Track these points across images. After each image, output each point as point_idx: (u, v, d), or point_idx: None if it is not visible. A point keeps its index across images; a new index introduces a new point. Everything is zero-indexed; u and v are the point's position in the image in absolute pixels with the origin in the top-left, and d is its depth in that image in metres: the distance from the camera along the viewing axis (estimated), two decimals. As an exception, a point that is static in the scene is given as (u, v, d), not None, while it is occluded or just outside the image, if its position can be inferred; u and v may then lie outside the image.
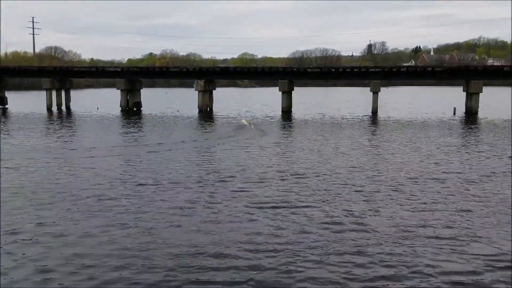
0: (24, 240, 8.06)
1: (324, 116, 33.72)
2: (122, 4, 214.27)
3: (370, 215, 9.43)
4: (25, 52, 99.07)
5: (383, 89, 40.43)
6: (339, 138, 21.23)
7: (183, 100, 52.45)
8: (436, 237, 8.22)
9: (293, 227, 8.66)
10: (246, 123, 27.70)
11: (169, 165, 14.63)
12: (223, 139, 20.67)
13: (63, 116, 33.96)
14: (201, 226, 8.78)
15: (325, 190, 11.37)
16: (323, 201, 10.36)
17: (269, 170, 13.79)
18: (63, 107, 40.49)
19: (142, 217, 9.33)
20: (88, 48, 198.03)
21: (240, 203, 10.16)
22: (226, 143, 19.53)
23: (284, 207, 9.90)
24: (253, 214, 9.42)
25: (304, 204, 10.10)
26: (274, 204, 10.06)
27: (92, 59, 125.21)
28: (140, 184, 12.00)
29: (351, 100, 53.80)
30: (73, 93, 46.35)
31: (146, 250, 7.57)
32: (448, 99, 51.33)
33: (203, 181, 12.37)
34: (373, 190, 11.37)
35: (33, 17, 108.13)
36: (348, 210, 9.74)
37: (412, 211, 9.74)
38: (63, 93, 41.07)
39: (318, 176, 12.97)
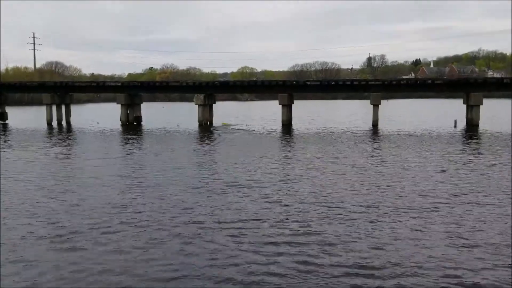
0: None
1: (324, 129, 33.78)
2: (121, 19, 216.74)
3: (399, 255, 7.94)
4: (26, 68, 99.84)
5: (383, 102, 40.58)
6: (341, 152, 21.19)
7: (183, 114, 52.59)
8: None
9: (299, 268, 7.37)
10: (223, 124, 34.17)
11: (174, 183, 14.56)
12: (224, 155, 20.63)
13: (63, 131, 34.03)
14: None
15: (338, 218, 10.03)
16: (336, 235, 8.91)
17: (270, 191, 13.73)
18: (64, 122, 40.63)
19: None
20: (88, 63, 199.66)
21: (245, 237, 9.02)
22: (229, 159, 19.50)
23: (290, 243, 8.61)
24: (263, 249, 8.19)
25: (323, 239, 8.66)
26: (289, 236, 8.85)
27: (92, 73, 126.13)
28: (140, 212, 11.88)
29: (351, 113, 53.94)
30: (73, 108, 46.56)
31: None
32: (448, 112, 51.50)
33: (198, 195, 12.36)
34: (393, 218, 10.04)
35: (34, 33, 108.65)
36: (368, 245, 8.29)
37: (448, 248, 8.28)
38: (63, 108, 41.26)
39: (323, 197, 12.82)
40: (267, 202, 11.56)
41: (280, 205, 11.24)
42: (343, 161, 18.12)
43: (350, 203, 11.32)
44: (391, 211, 10.66)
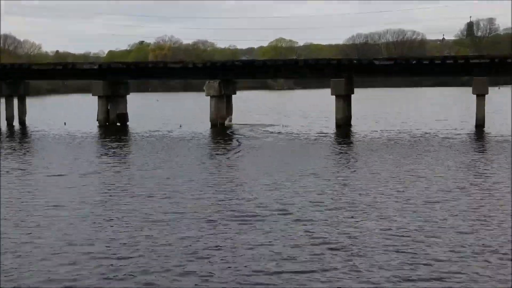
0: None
1: (401, 132, 33.31)
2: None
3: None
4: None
5: (492, 90, 39.61)
6: (427, 169, 20.69)
7: (188, 110, 53.05)
8: None
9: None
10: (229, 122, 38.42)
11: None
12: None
13: (15, 135, 34.77)
14: None
15: (424, 277, 9.65)
16: None
17: (317, 229, 13.50)
18: (16, 122, 41.59)
19: None
20: (52, 36, 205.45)
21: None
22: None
23: None
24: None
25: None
26: None
27: (57, 52, 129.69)
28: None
29: (444, 107, 53.03)
30: (30, 102, 47.67)
31: None
32: None
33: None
34: None
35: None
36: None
37: None
38: (15, 102, 42.26)
39: (399, 240, 12.44)
40: (312, 244, 11.23)
41: (334, 251, 10.88)
42: (430, 183, 17.61)
43: (438, 252, 10.82)
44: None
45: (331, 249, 11.13)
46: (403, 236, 11.90)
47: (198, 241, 11.80)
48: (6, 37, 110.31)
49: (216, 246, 11.40)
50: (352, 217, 13.56)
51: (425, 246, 11.19)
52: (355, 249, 11.09)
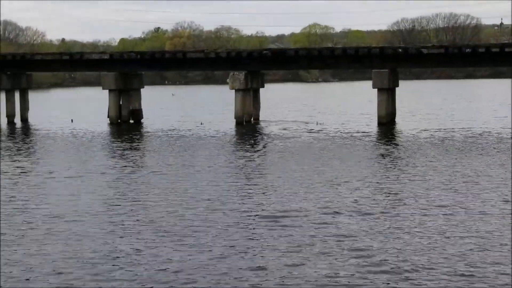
0: None
1: (455, 131, 32.99)
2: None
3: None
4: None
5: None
6: (485, 176, 20.43)
7: (209, 106, 53.01)
8: None
9: None
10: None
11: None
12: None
13: (16, 134, 35.10)
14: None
15: None
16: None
17: (364, 246, 13.36)
18: (17, 119, 42.09)
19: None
20: (57, 23, 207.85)
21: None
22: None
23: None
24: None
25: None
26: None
27: (63, 40, 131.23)
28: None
29: (504, 102, 52.21)
30: (33, 96, 48.16)
31: None
32: None
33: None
34: None
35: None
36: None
37: None
38: (16, 96, 42.71)
39: (460, 262, 12.17)
40: (365, 265, 11.07)
41: (384, 270, 10.75)
42: (489, 192, 17.36)
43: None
44: None
45: (375, 271, 11.02)
46: (459, 259, 11.69)
47: (217, 263, 11.75)
48: (6, 24, 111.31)
49: (246, 267, 11.35)
50: (397, 232, 13.42)
51: (479, 269, 11.02)
52: (401, 269, 10.96)
